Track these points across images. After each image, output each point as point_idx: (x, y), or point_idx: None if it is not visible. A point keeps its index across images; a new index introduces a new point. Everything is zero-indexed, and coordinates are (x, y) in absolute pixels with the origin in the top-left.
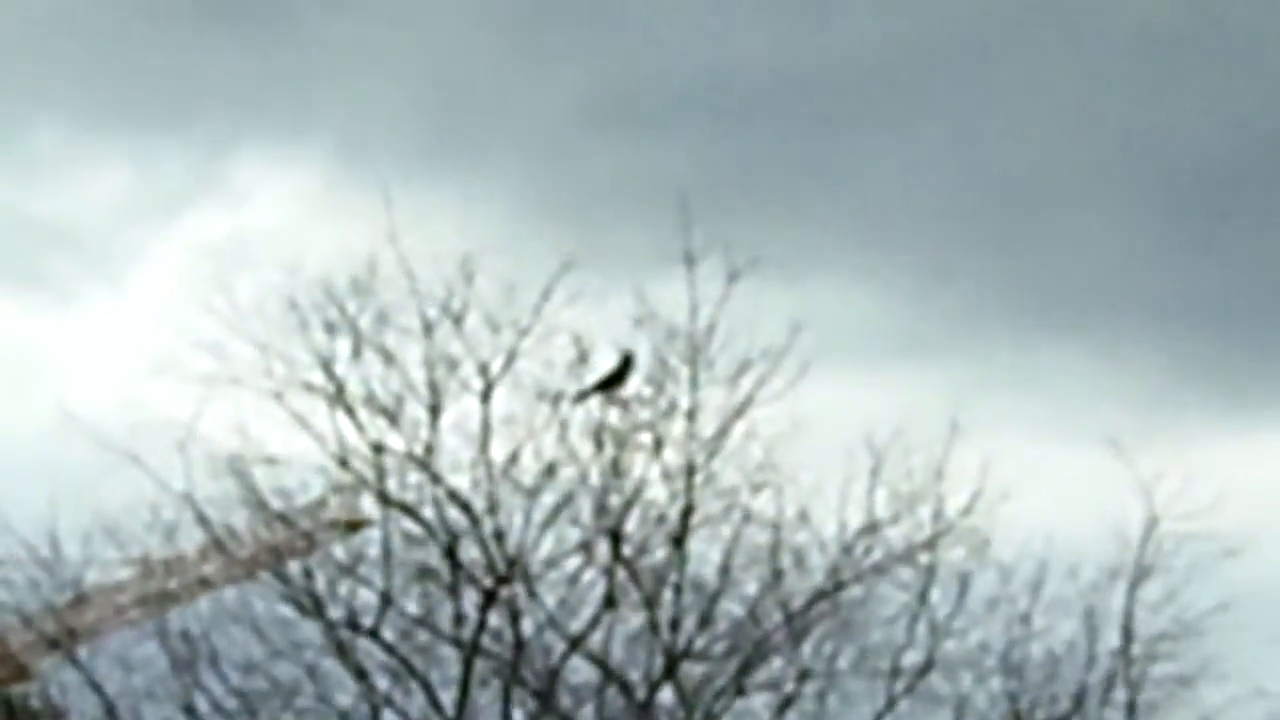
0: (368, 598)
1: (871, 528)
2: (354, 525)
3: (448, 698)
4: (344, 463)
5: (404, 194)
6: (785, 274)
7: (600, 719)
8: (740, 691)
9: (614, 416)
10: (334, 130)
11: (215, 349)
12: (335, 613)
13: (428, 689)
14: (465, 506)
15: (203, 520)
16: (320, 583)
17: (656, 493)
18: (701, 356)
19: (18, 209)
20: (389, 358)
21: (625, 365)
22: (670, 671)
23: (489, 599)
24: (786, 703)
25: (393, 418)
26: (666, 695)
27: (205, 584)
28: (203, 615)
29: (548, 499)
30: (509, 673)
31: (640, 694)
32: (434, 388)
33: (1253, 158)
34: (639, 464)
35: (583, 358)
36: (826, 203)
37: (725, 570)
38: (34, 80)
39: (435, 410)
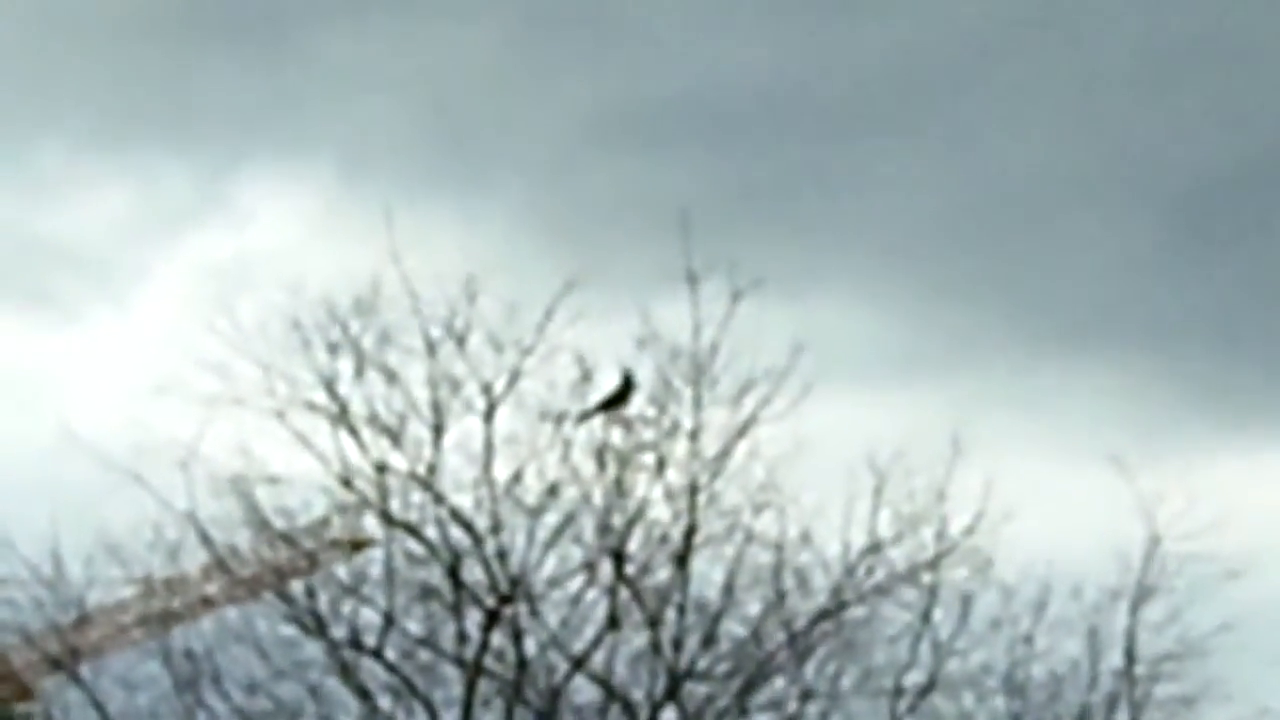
0: (370, 617)
1: (874, 548)
2: (357, 545)
3: (450, 718)
4: (347, 482)
5: (406, 213)
6: (788, 293)
7: None
8: (743, 712)
9: (617, 436)
10: (337, 150)
11: (218, 369)
12: (338, 632)
13: (430, 709)
14: (468, 526)
15: (206, 540)
16: (323, 602)
17: (659, 513)
18: (704, 376)
19: (22, 228)
20: (392, 377)
21: (627, 385)
22: (673, 692)
23: (492, 619)
24: None
25: (396, 437)
26: (669, 715)
27: (208, 603)
28: (205, 635)
29: (551, 519)
30: (512, 692)
31: (643, 714)
32: (437, 407)
33: (1256, 174)
34: (642, 484)
35: (586, 377)
36: (829, 221)
37: (728, 590)
38: (39, 100)
39: (438, 430)
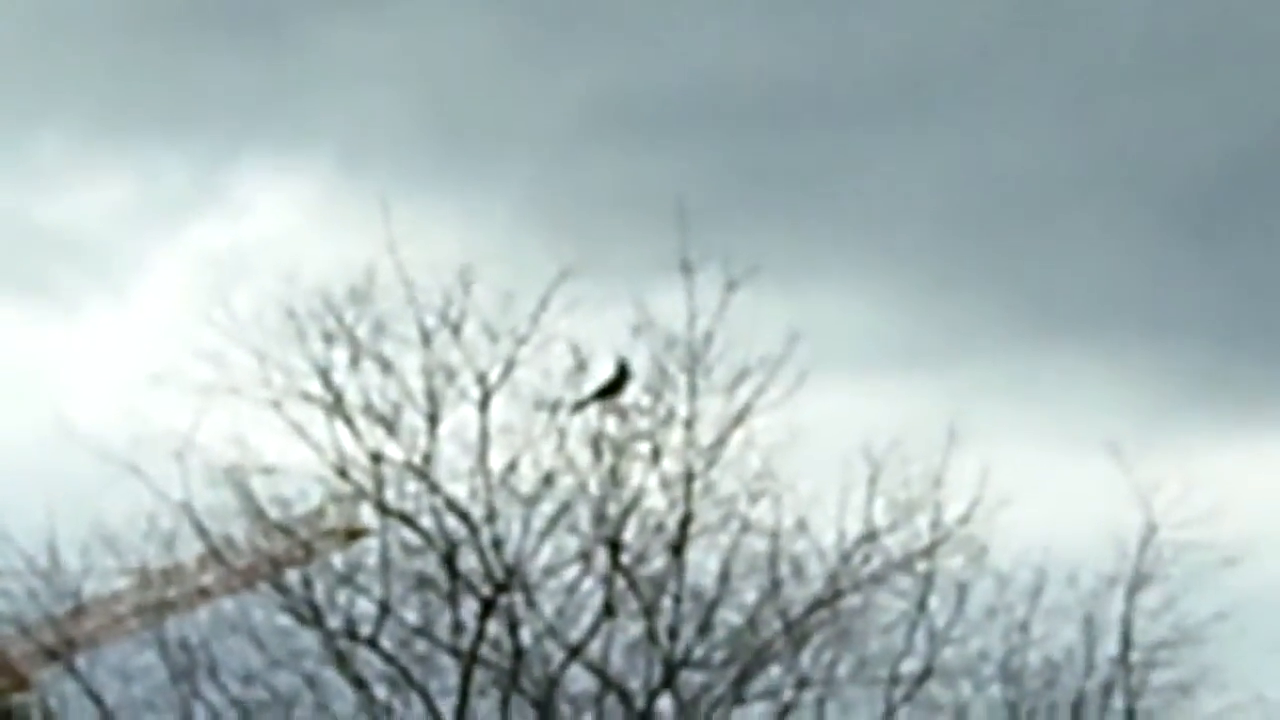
0: (366, 607)
1: (870, 536)
2: (352, 534)
3: (446, 707)
4: (342, 472)
5: (404, 204)
6: (784, 283)
7: None
8: (739, 700)
9: (612, 425)
10: (335, 140)
11: (214, 359)
12: (334, 622)
13: (426, 698)
14: (463, 515)
15: (201, 530)
16: (319, 592)
17: (655, 501)
18: (700, 365)
19: (21, 218)
20: (387, 367)
21: (622, 374)
22: (669, 680)
23: (487, 608)
24: (785, 711)
25: (391, 427)
26: (665, 704)
27: (204, 594)
28: (201, 625)
29: (546, 508)
30: (508, 681)
31: (639, 702)
32: (432, 397)
33: (1254, 166)
34: (637, 473)
35: (581, 367)
36: (826, 212)
37: (724, 579)
38: (38, 91)
39: (433, 419)
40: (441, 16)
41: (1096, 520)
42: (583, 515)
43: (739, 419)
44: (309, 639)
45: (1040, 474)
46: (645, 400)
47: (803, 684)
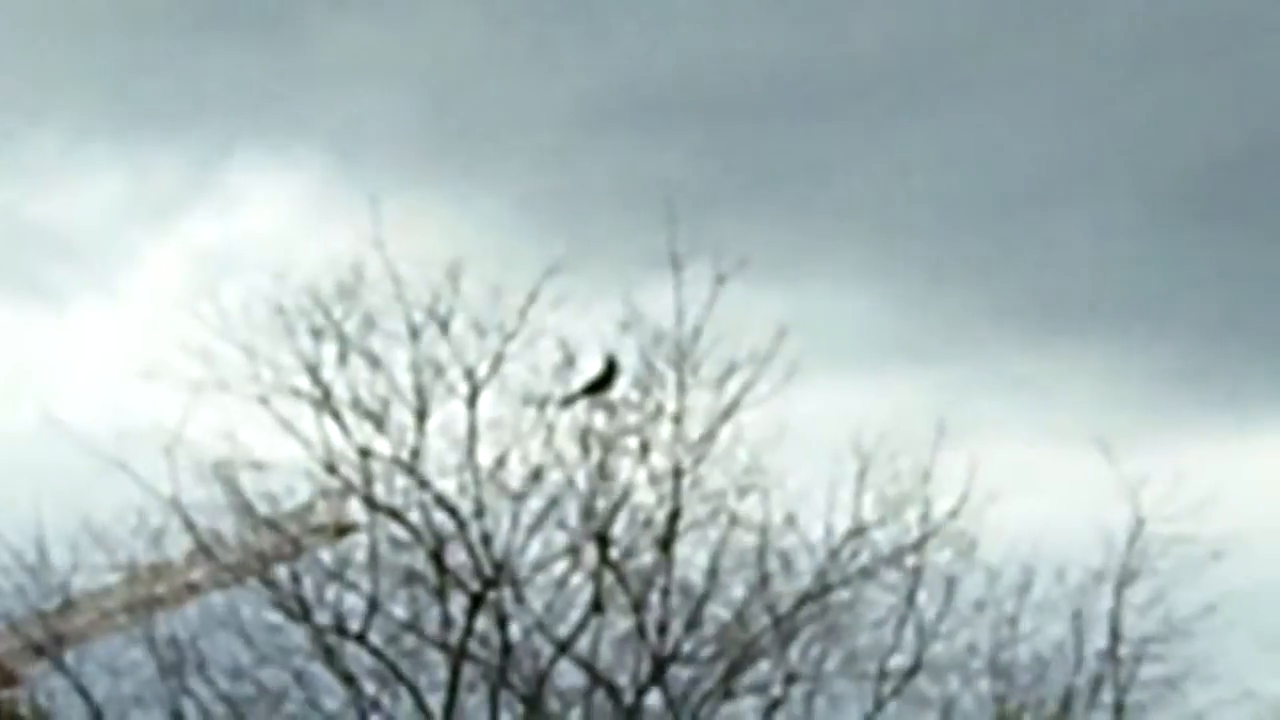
0: (355, 602)
1: (858, 531)
2: (341, 530)
3: (435, 702)
4: (331, 468)
5: (394, 199)
6: (774, 277)
7: None
8: (728, 694)
9: (601, 420)
10: (328, 136)
11: (202, 354)
12: (322, 618)
13: (415, 693)
14: (452, 511)
15: (190, 526)
16: (307, 587)
17: (643, 496)
18: (688, 360)
19: (13, 214)
20: (375, 362)
21: (611, 369)
22: (658, 675)
23: (476, 603)
24: (774, 705)
25: (379, 422)
26: (654, 698)
27: (192, 589)
28: (190, 621)
29: (534, 503)
30: (496, 677)
31: (628, 697)
32: (420, 392)
33: (1245, 161)
34: (626, 468)
35: (569, 362)
36: (816, 206)
37: (712, 573)
38: (30, 87)
39: (422, 415)
40: (434, 13)
41: (1085, 515)
42: (571, 510)
43: (727, 414)
44: (298, 634)
45: (1029, 469)
46: (634, 395)
47: (791, 679)
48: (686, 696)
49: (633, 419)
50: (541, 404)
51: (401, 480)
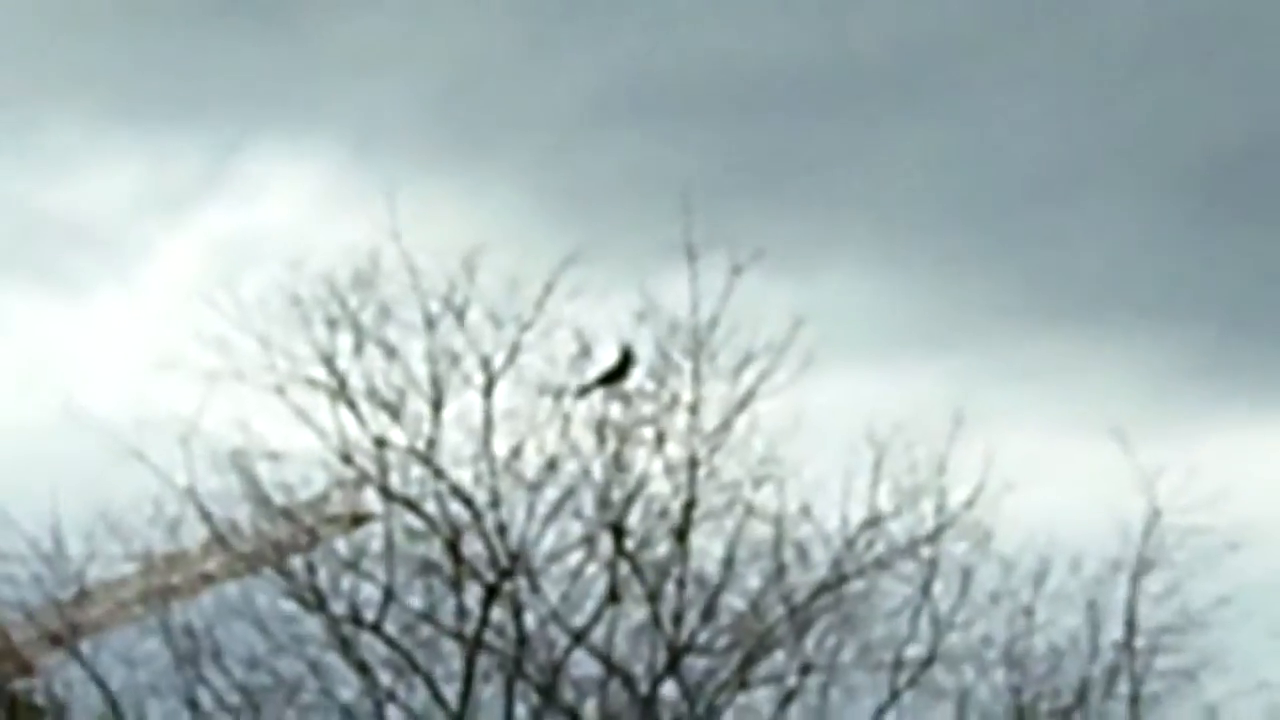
0: (370, 592)
1: (874, 521)
2: (356, 520)
3: (451, 692)
4: (346, 458)
5: (411, 189)
6: (790, 267)
7: (603, 713)
8: (743, 685)
9: (616, 411)
10: (344, 127)
11: (218, 344)
12: (338, 607)
13: (430, 684)
14: (468, 501)
15: (206, 515)
16: (323, 577)
17: (659, 487)
18: (704, 350)
19: (30, 204)
20: (391, 352)
21: (626, 359)
22: (673, 665)
23: (491, 593)
24: (789, 696)
25: (395, 412)
26: (669, 689)
27: (208, 579)
28: (206, 610)
29: (550, 493)
30: (512, 667)
31: (643, 688)
32: (436, 382)
33: (1261, 149)
34: (641, 458)
35: (585, 352)
36: (832, 196)
37: (728, 564)
38: (47, 76)
39: (437, 405)
40: (450, 3)
41: (1101, 505)
42: (587, 501)
43: (743, 404)
44: (313, 624)
45: (1045, 459)
46: (649, 385)
47: (807, 669)
48: (702, 687)
49: (648, 409)
50: (557, 394)
51: (417, 470)
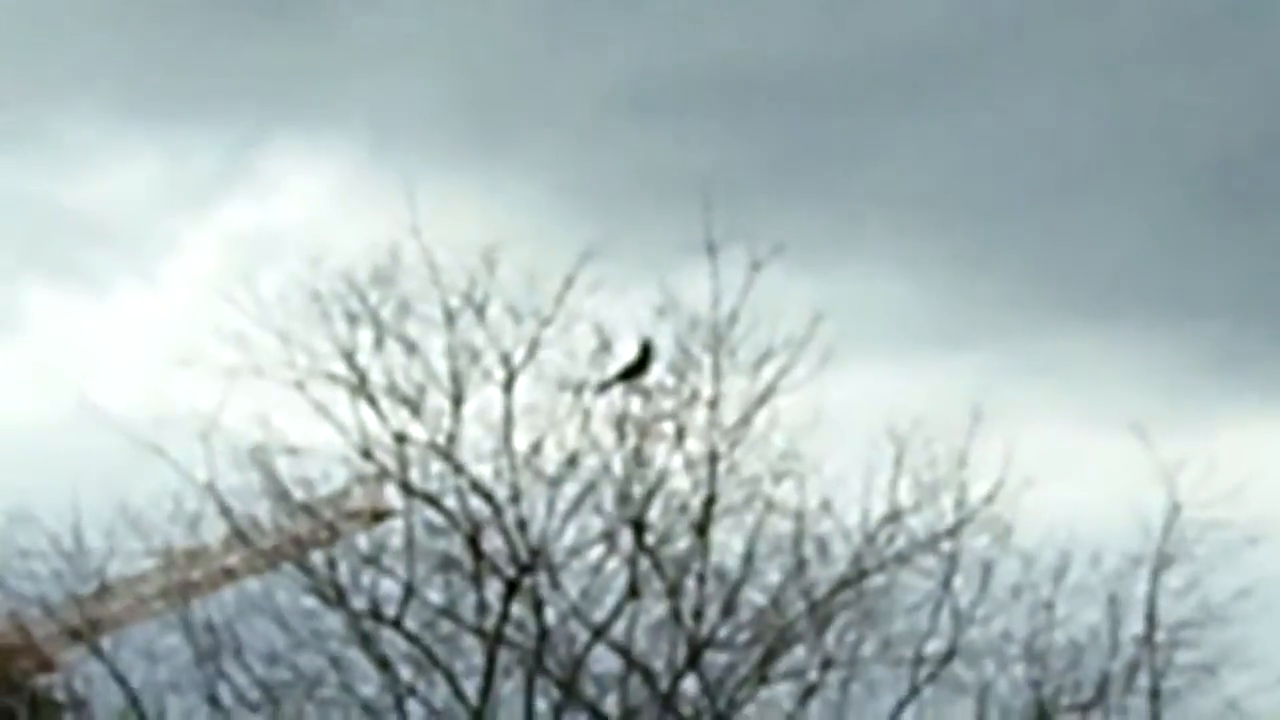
0: (391, 588)
1: (894, 516)
2: (377, 515)
3: (471, 687)
4: (367, 453)
5: (430, 185)
6: (810, 262)
7: (623, 708)
8: (763, 680)
9: (636, 406)
10: (364, 121)
11: (238, 340)
12: (358, 603)
13: (451, 679)
14: (488, 496)
15: (226, 511)
16: (343, 573)
17: (679, 482)
18: (724, 346)
19: (51, 200)
20: (411, 348)
21: (646, 354)
22: (693, 660)
23: (512, 589)
24: (810, 691)
25: (415, 408)
26: (690, 684)
27: (228, 575)
28: (226, 606)
29: (570, 488)
30: (532, 662)
31: (663, 683)
32: (456, 378)
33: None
34: (661, 453)
35: (605, 347)
36: (851, 191)
37: (748, 559)
38: (67, 72)
39: (458, 400)
40: None
41: (1120, 500)
42: (607, 496)
43: (763, 399)
44: (333, 620)
45: (1064, 454)
46: (669, 381)
47: (827, 664)
48: (722, 682)
49: (668, 404)
50: (577, 389)
51: (437, 466)
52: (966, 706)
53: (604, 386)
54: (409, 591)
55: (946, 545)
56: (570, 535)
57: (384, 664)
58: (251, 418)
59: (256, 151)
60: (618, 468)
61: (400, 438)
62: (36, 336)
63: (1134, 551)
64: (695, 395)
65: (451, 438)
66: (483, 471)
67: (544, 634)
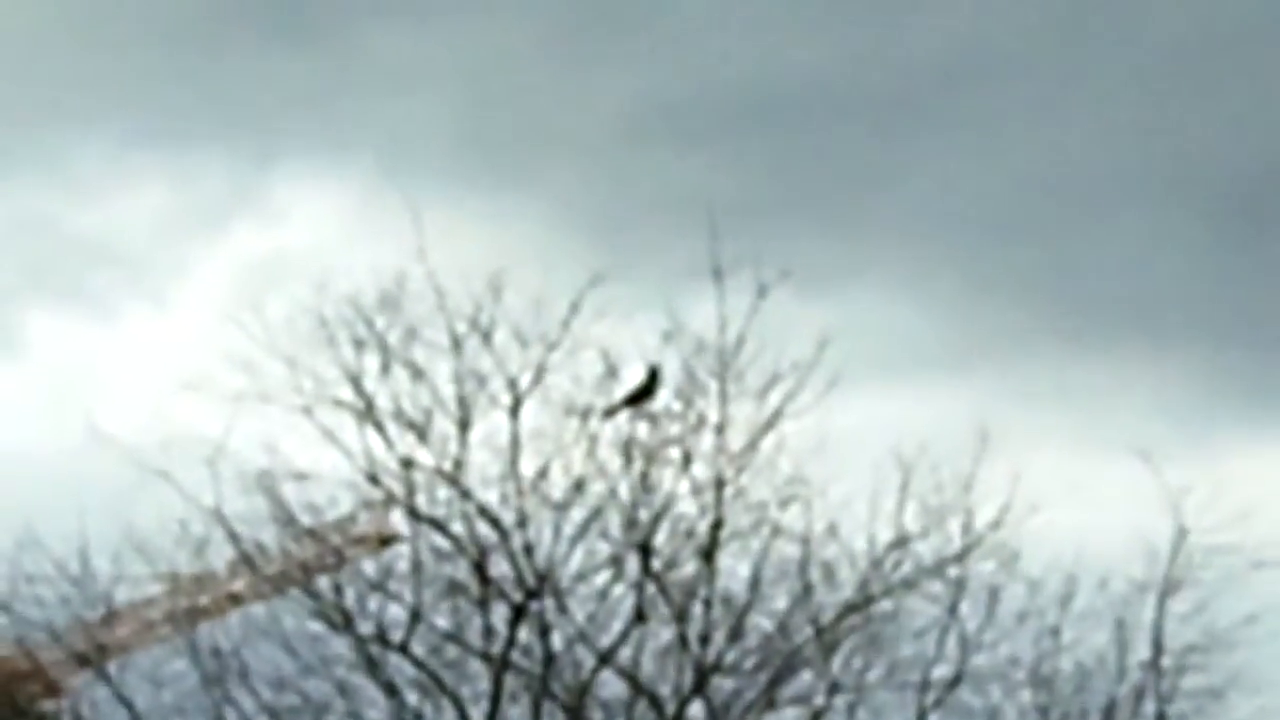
0: (397, 613)
1: (901, 541)
2: (383, 540)
3: (478, 713)
4: (373, 478)
5: (438, 209)
6: (816, 288)
7: None
8: (770, 705)
9: (643, 431)
10: (373, 147)
11: (245, 365)
12: (365, 628)
13: (458, 704)
14: (494, 521)
15: (232, 536)
16: (350, 598)
17: (686, 507)
18: (730, 371)
19: (58, 224)
20: (418, 373)
21: (653, 379)
22: (700, 686)
23: (518, 614)
24: (817, 716)
25: (422, 433)
26: (696, 710)
27: (235, 600)
28: (233, 631)
29: (577, 513)
30: (539, 687)
31: (670, 708)
32: (463, 403)
33: None
34: (668, 478)
35: (611, 372)
36: (858, 216)
37: (755, 584)
38: (74, 97)
39: (464, 425)
40: (477, 23)
41: (1127, 525)
42: (613, 521)
43: (770, 424)
44: (340, 645)
45: (1071, 479)
46: (676, 406)
47: (834, 689)
48: (729, 707)
49: (675, 429)
50: (584, 414)
51: (444, 491)
52: None
53: (610, 412)
54: (415, 617)
55: (953, 570)
56: (577, 560)
57: (391, 689)
58: (258, 443)
59: (265, 176)
60: (624, 493)
61: (407, 463)
62: (43, 361)
63: (1140, 577)
64: (702, 420)
65: (458, 463)
66: (489, 497)
67: (550, 659)
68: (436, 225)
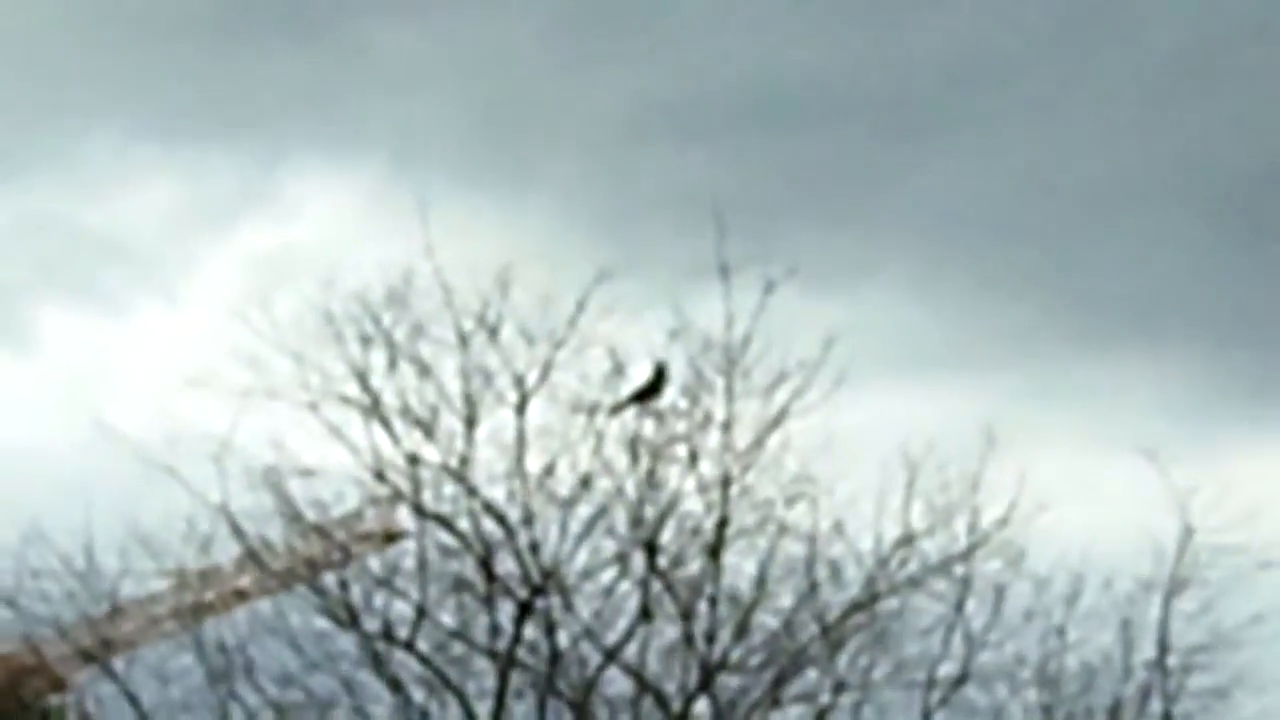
0: (403, 610)
1: (907, 540)
2: (389, 537)
3: (483, 709)
4: (379, 475)
5: (445, 206)
6: (823, 285)
7: None
8: (776, 703)
9: (649, 428)
10: (383, 143)
11: (252, 362)
12: (371, 625)
13: (463, 701)
14: (500, 518)
15: (238, 532)
16: (356, 594)
17: (692, 505)
18: (737, 368)
19: (70, 221)
20: (424, 370)
21: (659, 377)
22: (705, 683)
23: (524, 611)
24: (822, 714)
25: (428, 430)
26: (702, 707)
27: (241, 596)
28: (238, 627)
29: (583, 511)
30: (544, 684)
31: (675, 706)
32: (469, 400)
33: None
34: (674, 476)
35: (618, 369)
36: (864, 215)
37: (761, 582)
38: (88, 94)
39: (470, 422)
40: (487, 20)
41: (1133, 524)
42: (620, 518)
43: (776, 422)
44: (346, 641)
45: (1077, 478)
46: (682, 403)
47: (840, 687)
48: (734, 705)
49: (681, 427)
50: (590, 412)
51: (450, 488)
52: None
53: (617, 409)
54: (421, 613)
55: (959, 569)
56: (583, 557)
57: (396, 686)
58: (265, 439)
59: (273, 173)
60: (630, 490)
61: (413, 459)
62: (52, 356)
63: (1146, 576)
64: (708, 418)
65: (464, 460)
66: (495, 493)
67: (556, 656)
68: (444, 222)
